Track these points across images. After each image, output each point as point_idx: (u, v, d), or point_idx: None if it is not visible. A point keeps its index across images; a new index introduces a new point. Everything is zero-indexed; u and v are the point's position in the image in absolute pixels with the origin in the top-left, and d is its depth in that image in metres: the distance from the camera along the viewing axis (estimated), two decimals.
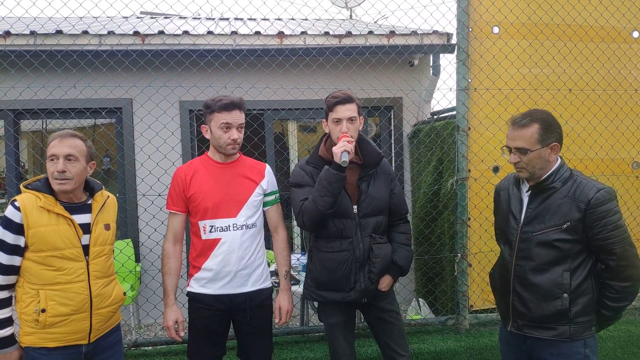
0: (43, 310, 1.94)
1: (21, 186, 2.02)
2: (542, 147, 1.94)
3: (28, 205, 1.95)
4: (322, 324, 2.53)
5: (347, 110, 2.28)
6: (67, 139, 2.00)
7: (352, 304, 2.43)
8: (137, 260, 4.75)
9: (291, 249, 2.70)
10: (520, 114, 2.03)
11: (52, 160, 1.97)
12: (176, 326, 2.32)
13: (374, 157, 2.41)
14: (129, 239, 4.67)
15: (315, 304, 3.79)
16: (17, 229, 1.93)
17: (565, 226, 1.91)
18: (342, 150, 2.18)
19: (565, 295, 1.92)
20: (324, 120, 2.41)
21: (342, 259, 2.32)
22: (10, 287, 1.99)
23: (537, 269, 1.98)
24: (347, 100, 2.29)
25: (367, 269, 2.36)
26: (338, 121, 2.29)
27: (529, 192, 2.04)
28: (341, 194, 2.27)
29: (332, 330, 2.43)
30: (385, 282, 2.43)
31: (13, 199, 1.99)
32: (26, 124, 4.94)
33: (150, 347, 3.63)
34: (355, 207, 2.35)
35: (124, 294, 2.22)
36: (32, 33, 4.34)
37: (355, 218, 2.34)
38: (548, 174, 1.98)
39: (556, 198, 1.95)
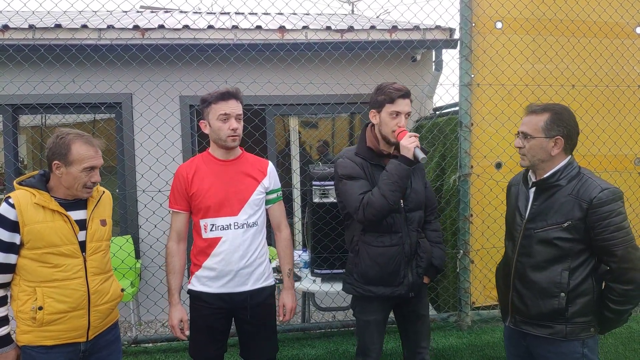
0: (40, 308, 1.92)
1: (15, 183, 1.99)
2: (545, 137, 1.92)
3: (23, 202, 1.92)
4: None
5: (407, 105, 2.29)
6: (98, 148, 2.00)
7: (398, 299, 2.40)
8: (137, 256, 4.73)
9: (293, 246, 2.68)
10: (541, 103, 2.03)
11: (90, 170, 1.96)
12: (181, 325, 2.31)
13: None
14: (129, 235, 4.65)
15: (319, 301, 3.81)
16: (12, 226, 1.90)
17: (566, 225, 1.89)
18: (414, 145, 2.18)
19: (563, 294, 1.90)
20: (372, 110, 2.35)
21: (392, 254, 2.31)
22: (6, 285, 1.97)
23: (536, 266, 1.97)
24: (409, 94, 2.29)
25: (415, 263, 2.36)
26: (397, 114, 2.28)
27: (533, 188, 2.02)
28: None
29: (368, 326, 2.41)
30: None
31: (7, 195, 1.95)
32: (25, 119, 4.90)
33: (150, 344, 3.63)
34: (401, 201, 2.33)
35: (122, 290, 2.20)
36: (31, 27, 4.29)
37: (402, 212, 2.33)
38: (553, 170, 1.95)
39: (560, 196, 1.92)
